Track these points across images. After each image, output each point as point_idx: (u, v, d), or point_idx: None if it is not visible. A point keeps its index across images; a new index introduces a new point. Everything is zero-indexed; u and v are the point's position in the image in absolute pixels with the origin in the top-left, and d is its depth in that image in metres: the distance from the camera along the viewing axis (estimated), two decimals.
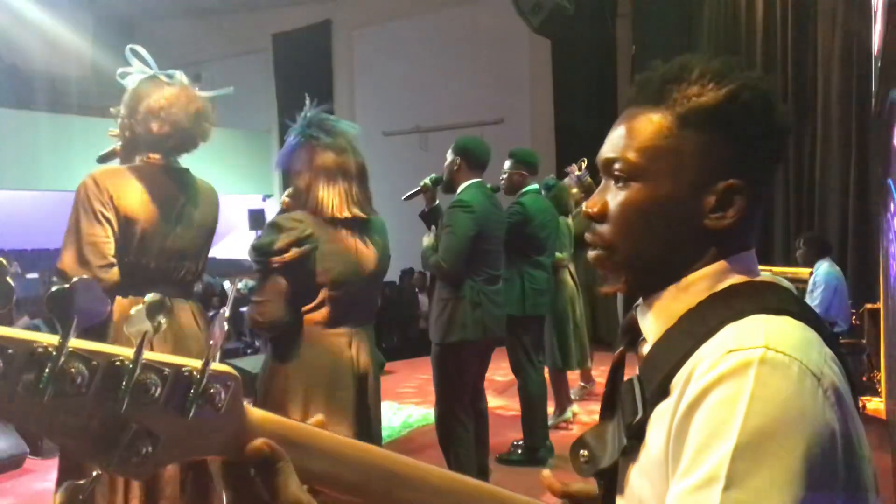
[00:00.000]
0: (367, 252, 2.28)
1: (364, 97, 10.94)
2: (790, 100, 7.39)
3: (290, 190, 2.30)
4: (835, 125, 7.13)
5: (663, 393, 0.74)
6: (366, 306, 2.35)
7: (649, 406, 0.75)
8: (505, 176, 4.28)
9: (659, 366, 0.76)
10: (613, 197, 0.82)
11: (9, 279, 0.54)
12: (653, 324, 0.81)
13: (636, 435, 0.76)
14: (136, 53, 2.32)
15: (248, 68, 11.66)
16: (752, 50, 7.58)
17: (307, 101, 2.33)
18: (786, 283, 0.80)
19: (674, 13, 8.04)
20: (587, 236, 0.85)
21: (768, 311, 0.72)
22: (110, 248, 2.18)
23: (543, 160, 4.59)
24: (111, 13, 11.00)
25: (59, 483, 2.23)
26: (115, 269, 2.17)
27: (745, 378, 0.66)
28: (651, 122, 0.80)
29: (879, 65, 4.19)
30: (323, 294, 2.20)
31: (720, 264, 0.79)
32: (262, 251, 2.15)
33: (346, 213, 2.20)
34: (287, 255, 2.12)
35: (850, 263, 6.73)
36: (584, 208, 0.85)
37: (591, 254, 0.84)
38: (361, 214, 2.24)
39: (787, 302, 0.75)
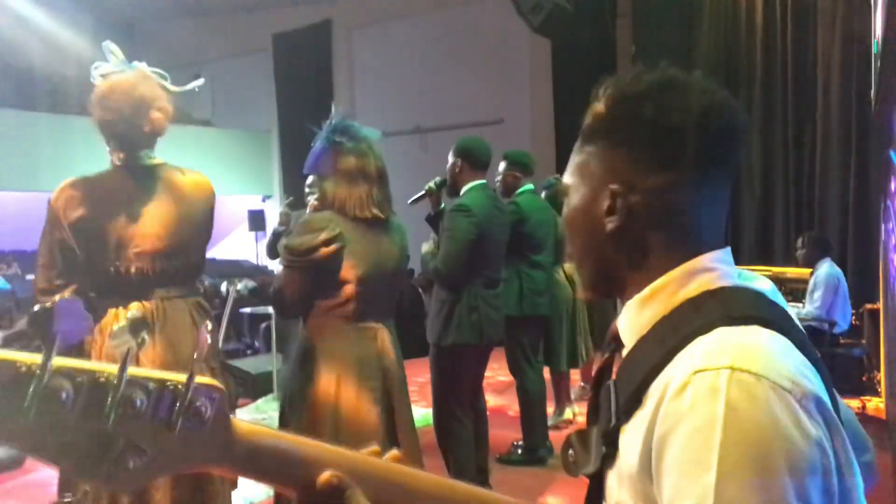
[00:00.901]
0: (388, 249, 2.42)
1: (364, 97, 10.93)
2: (790, 100, 7.39)
3: (316, 193, 2.43)
4: (835, 125, 7.13)
5: (637, 402, 0.74)
6: (388, 301, 2.48)
7: (623, 414, 0.75)
8: (499, 178, 4.29)
9: (632, 374, 0.76)
10: None
11: None
12: (628, 331, 0.82)
13: (611, 442, 0.76)
14: (110, 50, 2.31)
15: (248, 68, 11.65)
16: (752, 50, 7.58)
17: (333, 109, 2.48)
18: (759, 287, 0.79)
19: (674, 13, 8.03)
20: None
21: (736, 320, 0.72)
22: (55, 272, 2.16)
23: (543, 160, 4.60)
24: (111, 13, 10.99)
25: (59, 487, 2.23)
26: (59, 295, 2.11)
27: (715, 404, 0.65)
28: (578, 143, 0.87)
29: (879, 65, 4.19)
30: (350, 290, 2.31)
31: (683, 268, 0.79)
32: (295, 251, 2.27)
33: (367, 214, 2.35)
34: (318, 255, 2.25)
35: (850, 263, 6.73)
36: None
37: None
38: (381, 215, 2.39)
39: (758, 309, 0.74)
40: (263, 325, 7.16)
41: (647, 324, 0.78)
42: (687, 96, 0.79)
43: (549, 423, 4.44)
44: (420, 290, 9.13)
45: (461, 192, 3.47)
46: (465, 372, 3.44)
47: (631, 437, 0.74)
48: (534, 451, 4.18)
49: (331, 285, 2.30)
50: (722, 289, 0.77)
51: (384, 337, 2.41)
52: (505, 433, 4.40)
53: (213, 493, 2.29)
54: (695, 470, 0.64)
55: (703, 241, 0.80)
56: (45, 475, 3.97)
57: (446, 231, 3.32)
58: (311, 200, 2.45)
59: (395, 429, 2.38)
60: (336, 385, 2.28)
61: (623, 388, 0.76)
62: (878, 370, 5.58)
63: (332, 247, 2.25)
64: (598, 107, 0.83)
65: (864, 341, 5.91)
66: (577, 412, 5.04)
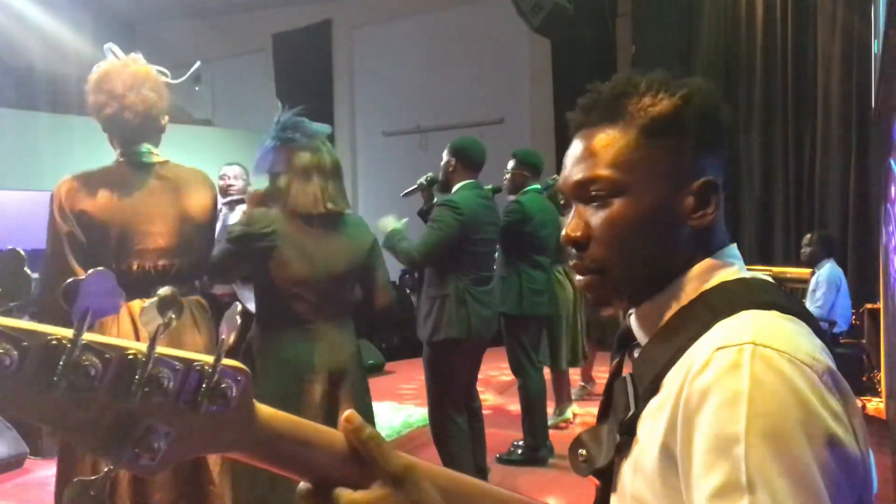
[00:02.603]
0: (339, 249, 2.41)
1: (364, 97, 10.92)
2: (790, 100, 7.38)
3: (256, 190, 2.51)
4: (835, 125, 7.12)
5: (654, 390, 0.75)
6: (340, 302, 2.44)
7: (641, 402, 0.76)
8: (507, 176, 4.30)
9: (651, 363, 0.77)
10: (594, 218, 0.81)
11: (27, 269, 0.54)
12: (645, 327, 0.83)
13: (628, 431, 0.77)
14: (112, 51, 2.32)
15: (248, 68, 11.64)
16: (752, 50, 7.57)
17: (279, 107, 2.46)
18: (771, 281, 0.82)
19: (674, 13, 8.02)
20: (572, 264, 0.85)
21: (757, 306, 0.74)
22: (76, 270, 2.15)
23: (543, 160, 4.60)
24: (111, 13, 10.98)
25: (58, 485, 2.22)
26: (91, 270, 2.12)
27: (739, 378, 0.67)
28: (614, 138, 0.81)
29: (879, 65, 4.19)
30: (295, 291, 2.33)
31: (705, 263, 0.81)
32: (229, 236, 2.36)
33: (321, 209, 2.35)
34: (247, 246, 2.31)
35: (850, 263, 6.73)
36: (563, 235, 0.84)
37: (582, 280, 0.83)
38: (336, 209, 2.39)
39: (776, 296, 0.77)
40: None
41: (665, 317, 0.80)
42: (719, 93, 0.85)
43: (549, 422, 4.44)
44: (408, 291, 9.13)
45: (453, 190, 3.49)
46: (457, 369, 3.45)
47: (650, 424, 0.75)
48: (534, 450, 4.18)
49: (270, 285, 2.36)
50: (742, 279, 0.80)
51: (332, 339, 2.40)
52: (505, 433, 4.40)
53: (214, 494, 2.29)
54: (723, 443, 0.66)
55: (726, 234, 0.84)
56: (45, 475, 3.97)
57: (432, 221, 3.34)
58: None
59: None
60: (277, 388, 2.28)
61: (642, 378, 0.78)
62: (878, 370, 5.57)
63: (263, 243, 2.31)
64: (666, 103, 0.80)
65: (864, 341, 5.91)
66: (577, 412, 5.04)
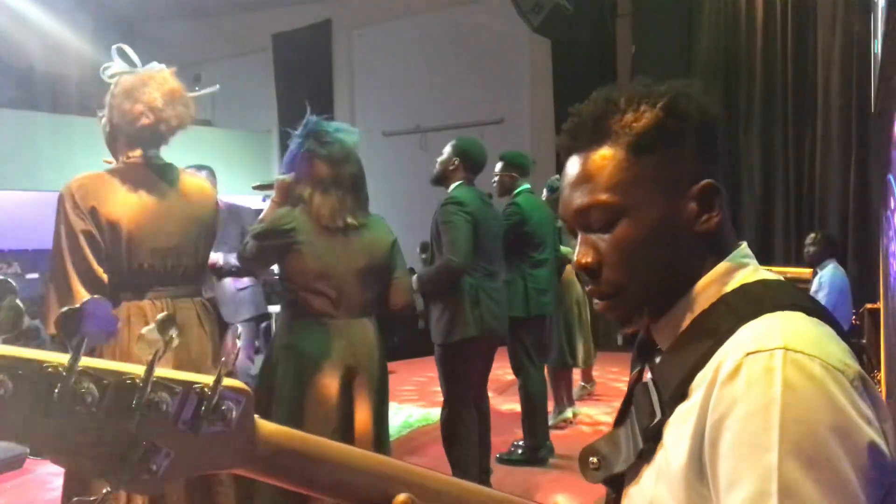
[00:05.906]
0: (358, 247, 2.46)
1: (364, 97, 10.92)
2: (790, 100, 7.39)
3: (285, 177, 2.51)
4: (835, 125, 7.12)
5: (682, 395, 0.74)
6: (356, 299, 2.49)
7: (668, 409, 0.75)
8: (496, 178, 4.30)
9: (676, 368, 0.76)
10: (601, 243, 0.81)
11: (18, 302, 0.54)
12: (666, 335, 0.82)
13: (654, 437, 0.76)
14: (122, 53, 2.31)
15: (248, 68, 11.63)
16: (752, 50, 7.57)
17: (307, 109, 2.48)
18: (788, 281, 0.81)
19: (674, 13, 8.02)
20: (589, 290, 0.84)
21: (782, 307, 0.73)
22: (99, 270, 2.17)
23: (543, 160, 4.61)
24: (111, 13, 10.98)
25: (65, 491, 2.21)
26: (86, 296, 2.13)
27: (771, 384, 0.66)
28: (605, 160, 0.80)
29: (879, 65, 4.19)
30: (314, 287, 2.40)
31: (721, 266, 0.80)
32: (252, 232, 2.44)
33: (339, 223, 2.40)
34: (266, 242, 2.39)
35: (850, 263, 6.73)
36: (575, 263, 0.84)
37: (600, 304, 0.83)
38: (354, 223, 2.43)
39: (799, 298, 0.76)
40: (263, 324, 7.16)
41: (686, 321, 0.79)
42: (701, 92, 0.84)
43: (549, 422, 4.45)
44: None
45: (450, 189, 3.50)
46: (472, 369, 3.46)
47: (677, 430, 0.74)
48: (534, 450, 4.18)
49: (291, 279, 2.43)
50: (761, 280, 0.79)
51: (350, 333, 2.45)
52: (505, 433, 4.40)
53: (223, 495, 2.30)
54: (754, 451, 0.65)
55: (733, 233, 0.83)
56: (45, 475, 3.97)
57: (445, 223, 3.34)
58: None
59: (352, 424, 2.43)
60: (294, 379, 2.37)
61: (666, 382, 0.76)
62: (878, 370, 5.57)
63: (285, 239, 2.38)
64: (649, 116, 0.79)
65: (864, 341, 5.91)
66: (577, 412, 5.05)
